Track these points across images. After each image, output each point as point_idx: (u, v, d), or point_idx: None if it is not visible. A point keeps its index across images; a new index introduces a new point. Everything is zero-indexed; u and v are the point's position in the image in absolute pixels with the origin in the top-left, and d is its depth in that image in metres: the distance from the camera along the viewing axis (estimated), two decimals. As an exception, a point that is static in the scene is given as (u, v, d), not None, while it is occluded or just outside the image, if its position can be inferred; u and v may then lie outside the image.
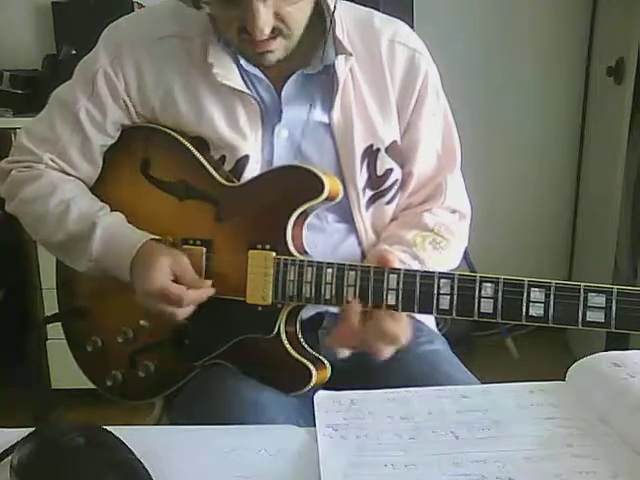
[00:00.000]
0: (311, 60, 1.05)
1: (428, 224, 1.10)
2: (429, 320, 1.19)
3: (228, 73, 1.03)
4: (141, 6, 2.38)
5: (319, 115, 1.07)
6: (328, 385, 0.96)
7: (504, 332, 2.69)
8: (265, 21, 0.92)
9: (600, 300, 0.84)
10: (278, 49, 0.98)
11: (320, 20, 1.03)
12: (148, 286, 0.97)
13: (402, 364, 1.04)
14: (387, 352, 0.94)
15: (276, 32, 0.95)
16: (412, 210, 1.14)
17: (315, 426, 0.77)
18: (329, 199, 0.99)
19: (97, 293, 1.12)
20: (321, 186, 0.97)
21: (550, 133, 2.85)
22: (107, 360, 1.11)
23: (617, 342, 2.08)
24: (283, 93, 1.06)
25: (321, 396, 0.84)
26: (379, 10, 1.13)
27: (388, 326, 0.92)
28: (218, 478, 0.69)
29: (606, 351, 0.88)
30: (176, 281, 0.98)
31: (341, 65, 1.04)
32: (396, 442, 0.74)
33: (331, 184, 0.98)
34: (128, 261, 1.00)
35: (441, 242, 1.10)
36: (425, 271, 0.91)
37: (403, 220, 1.13)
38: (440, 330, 1.24)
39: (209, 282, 1.00)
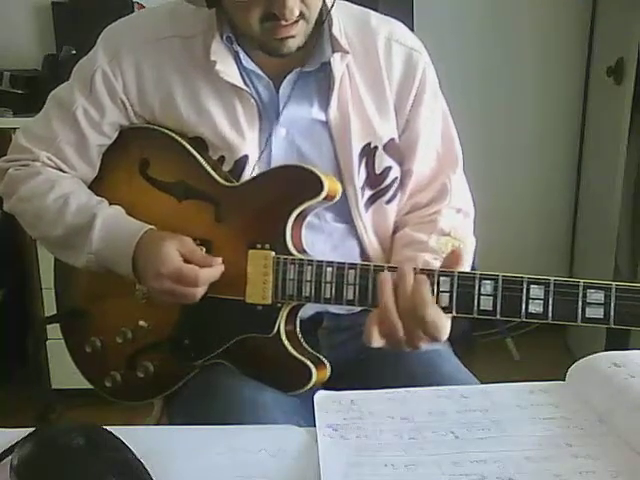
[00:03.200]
0: (309, 58, 1.05)
1: (444, 229, 1.10)
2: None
3: (229, 70, 1.03)
4: (141, 6, 2.38)
5: (316, 113, 1.07)
6: (328, 385, 0.96)
7: (504, 332, 2.69)
8: (294, 1, 0.93)
9: (599, 296, 0.83)
10: (299, 34, 0.98)
11: (318, 18, 1.03)
12: (161, 269, 0.96)
13: (402, 364, 1.04)
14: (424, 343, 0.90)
15: (299, 16, 0.96)
16: (420, 212, 1.14)
17: (315, 426, 0.77)
18: (328, 198, 0.99)
19: (96, 294, 1.12)
20: (320, 185, 0.97)
21: (550, 133, 2.85)
22: (106, 361, 1.11)
23: (617, 342, 2.08)
24: (281, 91, 1.06)
25: (321, 396, 0.84)
26: (378, 11, 1.13)
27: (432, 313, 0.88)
28: (218, 478, 0.69)
29: (606, 351, 0.88)
30: (186, 262, 0.98)
31: (337, 63, 1.04)
32: (396, 442, 0.74)
33: (330, 184, 0.98)
34: (130, 251, 1.00)
35: (459, 246, 1.09)
36: (424, 269, 0.91)
37: (418, 226, 1.12)
38: (440, 330, 1.23)
39: (219, 259, 0.99)
